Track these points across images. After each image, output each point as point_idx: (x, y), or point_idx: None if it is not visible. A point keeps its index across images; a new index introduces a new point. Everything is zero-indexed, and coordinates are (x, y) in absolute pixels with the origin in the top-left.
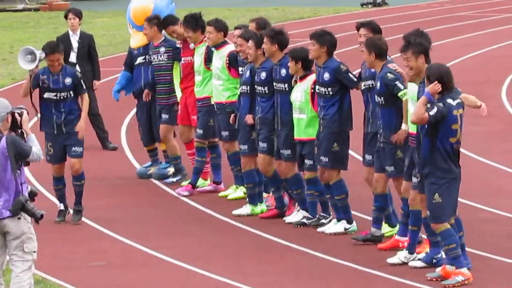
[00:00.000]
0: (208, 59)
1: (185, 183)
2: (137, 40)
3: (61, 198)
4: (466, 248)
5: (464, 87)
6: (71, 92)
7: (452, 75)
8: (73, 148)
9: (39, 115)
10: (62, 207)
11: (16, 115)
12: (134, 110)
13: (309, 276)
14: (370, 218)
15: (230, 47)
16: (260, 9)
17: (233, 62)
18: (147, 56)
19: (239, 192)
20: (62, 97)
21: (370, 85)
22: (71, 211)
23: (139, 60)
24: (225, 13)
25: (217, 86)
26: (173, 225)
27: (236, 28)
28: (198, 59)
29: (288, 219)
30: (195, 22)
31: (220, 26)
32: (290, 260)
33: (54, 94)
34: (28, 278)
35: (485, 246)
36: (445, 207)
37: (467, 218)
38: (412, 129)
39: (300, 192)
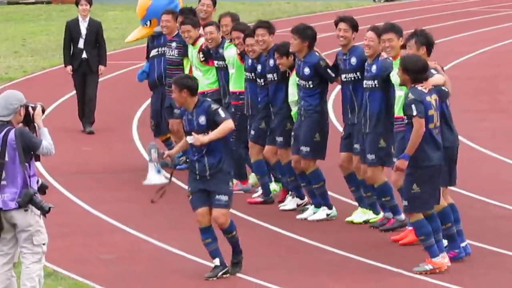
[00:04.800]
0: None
1: None
2: (132, 35)
3: (213, 252)
4: (479, 243)
5: (475, 82)
6: (209, 131)
7: (427, 67)
8: (217, 197)
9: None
10: (217, 262)
11: (30, 109)
12: (145, 104)
13: (321, 270)
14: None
15: (202, 40)
16: (272, 3)
17: (207, 54)
18: (160, 49)
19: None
20: None
21: (352, 78)
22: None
23: (153, 52)
24: (239, 7)
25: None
26: (183, 218)
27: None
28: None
29: (283, 206)
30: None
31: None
32: (302, 254)
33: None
34: (38, 270)
35: (498, 242)
36: (424, 198)
37: (480, 214)
38: (398, 113)
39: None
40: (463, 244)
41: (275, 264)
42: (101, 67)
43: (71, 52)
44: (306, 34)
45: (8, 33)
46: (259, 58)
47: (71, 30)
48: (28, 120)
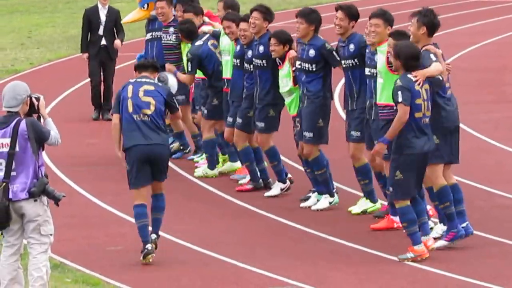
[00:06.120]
0: None
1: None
2: (129, 16)
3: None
4: (483, 233)
5: (480, 74)
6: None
7: (418, 55)
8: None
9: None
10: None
11: (33, 99)
12: None
13: (325, 261)
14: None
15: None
16: None
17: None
18: (154, 33)
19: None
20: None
21: (350, 64)
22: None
23: (148, 36)
24: None
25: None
26: (187, 209)
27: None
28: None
29: (268, 193)
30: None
31: None
32: (306, 245)
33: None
34: (45, 260)
35: (503, 232)
36: (407, 185)
37: (485, 204)
38: (381, 100)
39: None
40: (463, 225)
41: (279, 255)
42: (116, 42)
43: (90, 39)
44: (313, 17)
45: (14, 25)
46: (250, 44)
47: (90, 17)
48: (32, 110)
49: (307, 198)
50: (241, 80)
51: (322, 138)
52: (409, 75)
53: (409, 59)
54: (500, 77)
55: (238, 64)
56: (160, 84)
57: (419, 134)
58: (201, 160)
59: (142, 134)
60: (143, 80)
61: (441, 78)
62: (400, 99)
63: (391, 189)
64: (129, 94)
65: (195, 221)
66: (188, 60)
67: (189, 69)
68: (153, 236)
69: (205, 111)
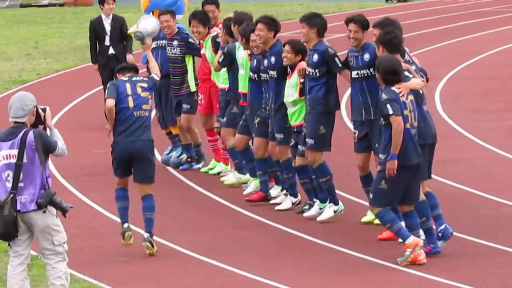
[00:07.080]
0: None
1: (204, 169)
2: (135, 26)
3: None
4: (491, 243)
5: (490, 82)
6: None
7: (401, 68)
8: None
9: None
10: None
11: (40, 110)
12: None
13: (334, 271)
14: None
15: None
16: (284, 4)
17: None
18: (158, 42)
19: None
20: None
21: (365, 74)
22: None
23: (153, 45)
24: (250, 8)
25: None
26: (195, 219)
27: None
28: (209, 52)
29: (279, 206)
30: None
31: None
32: (314, 255)
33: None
34: (64, 268)
35: (510, 242)
36: (389, 195)
37: (491, 213)
38: None
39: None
40: (442, 227)
41: (287, 265)
42: (128, 57)
43: (98, 49)
44: (314, 21)
45: (21, 36)
46: (264, 54)
47: (96, 28)
48: (38, 121)
49: (303, 211)
50: (260, 93)
51: (324, 145)
52: (392, 88)
53: (386, 73)
54: (508, 85)
55: (256, 78)
56: (148, 77)
57: (409, 145)
58: (221, 169)
59: (139, 129)
60: (136, 78)
61: (421, 92)
62: (390, 111)
63: (371, 195)
64: (129, 91)
65: (203, 232)
66: (223, 53)
67: (220, 61)
68: (146, 234)
69: (224, 119)
